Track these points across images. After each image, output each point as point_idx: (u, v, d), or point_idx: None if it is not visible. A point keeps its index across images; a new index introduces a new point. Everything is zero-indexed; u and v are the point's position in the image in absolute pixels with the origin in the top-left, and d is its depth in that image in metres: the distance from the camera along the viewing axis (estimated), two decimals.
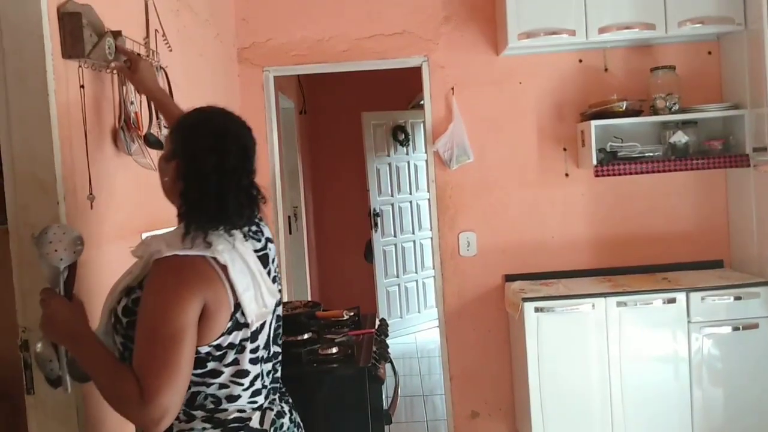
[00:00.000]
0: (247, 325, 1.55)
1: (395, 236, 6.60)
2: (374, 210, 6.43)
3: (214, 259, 1.50)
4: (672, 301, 3.47)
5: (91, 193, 1.90)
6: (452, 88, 3.92)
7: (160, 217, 2.45)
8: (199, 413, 1.56)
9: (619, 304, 3.48)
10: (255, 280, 1.57)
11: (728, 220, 3.93)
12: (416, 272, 6.78)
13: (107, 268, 2.03)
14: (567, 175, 3.93)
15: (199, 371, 1.51)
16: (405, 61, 3.97)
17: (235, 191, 1.56)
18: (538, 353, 3.48)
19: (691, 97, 3.74)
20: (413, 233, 6.74)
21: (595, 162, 3.61)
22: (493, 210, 3.96)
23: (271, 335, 1.69)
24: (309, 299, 5.22)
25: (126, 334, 1.53)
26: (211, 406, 1.56)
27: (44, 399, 1.76)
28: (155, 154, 2.33)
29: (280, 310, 1.75)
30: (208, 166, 1.53)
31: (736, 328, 3.47)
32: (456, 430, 4.03)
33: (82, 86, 1.88)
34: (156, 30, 2.48)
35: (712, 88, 3.86)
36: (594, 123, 3.61)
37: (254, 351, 1.60)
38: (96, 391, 1.88)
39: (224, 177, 1.54)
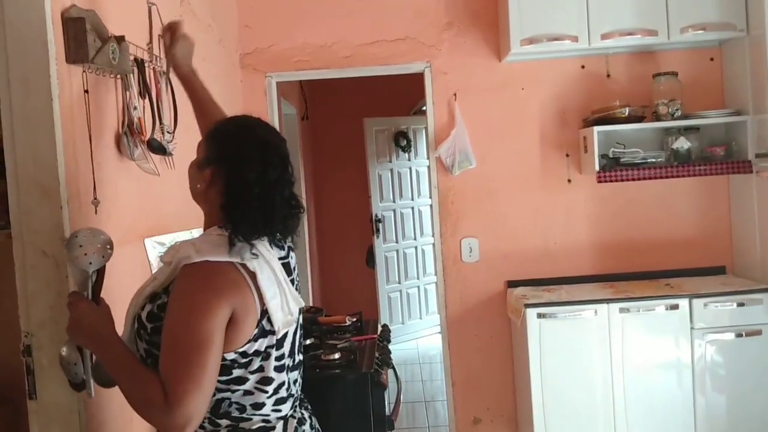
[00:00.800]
0: (272, 333, 1.55)
1: (397, 242, 6.60)
2: (376, 216, 6.43)
3: (243, 265, 1.51)
4: (675, 307, 3.46)
5: (95, 198, 1.90)
6: (454, 94, 3.92)
7: (164, 223, 2.46)
8: (224, 422, 1.55)
9: (621, 310, 3.47)
10: (281, 288, 1.57)
11: (731, 226, 3.92)
12: (418, 278, 6.78)
13: (111, 274, 2.03)
14: (569, 181, 3.93)
15: (224, 378, 1.51)
16: (407, 67, 3.97)
17: (279, 202, 1.57)
18: (541, 359, 3.47)
19: (693, 103, 3.74)
20: (415, 239, 6.73)
21: (597, 168, 3.61)
22: (496, 216, 3.96)
23: (296, 343, 1.68)
24: (311, 305, 5.22)
25: (150, 340, 1.53)
26: (236, 413, 1.56)
27: (46, 404, 1.75)
28: (158, 160, 2.34)
29: (301, 319, 1.74)
30: (251, 177, 1.53)
31: (739, 335, 3.45)
32: None
33: (86, 91, 1.88)
34: (159, 35, 2.48)
35: (715, 95, 3.86)
36: (596, 129, 3.61)
37: (279, 359, 1.59)
38: (98, 396, 1.88)
39: (266, 188, 1.54)
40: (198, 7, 3.12)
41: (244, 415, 1.56)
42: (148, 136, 2.27)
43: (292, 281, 1.69)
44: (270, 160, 1.56)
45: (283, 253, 1.68)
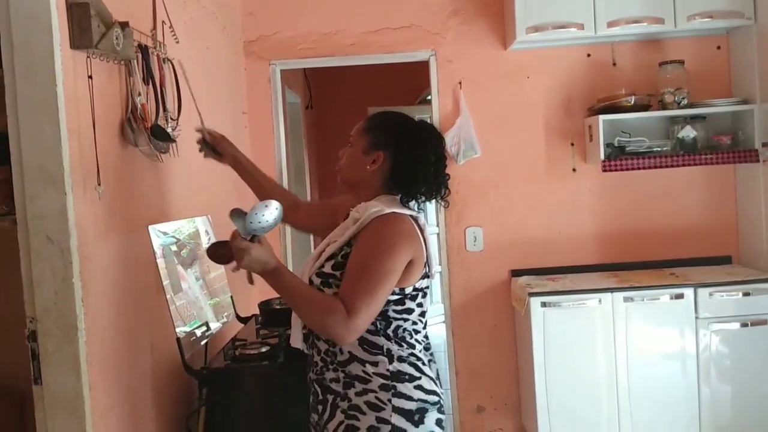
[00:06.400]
0: (428, 276, 1.93)
1: None
2: None
3: (415, 220, 1.90)
4: (680, 296, 3.46)
5: (99, 184, 1.90)
6: (460, 83, 3.90)
7: (168, 210, 2.45)
8: (394, 346, 1.84)
9: (626, 299, 3.46)
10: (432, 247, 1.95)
11: (737, 215, 3.90)
12: None
13: (115, 260, 2.03)
14: (574, 170, 3.91)
15: (400, 308, 1.85)
16: (412, 55, 3.95)
17: (433, 174, 1.95)
18: (544, 348, 3.47)
19: (699, 91, 3.72)
20: None
21: (602, 157, 3.59)
22: (500, 205, 3.95)
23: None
24: None
25: (340, 284, 1.81)
26: (403, 334, 1.86)
27: (51, 389, 1.76)
28: (162, 146, 2.33)
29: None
30: (410, 156, 1.91)
31: (744, 324, 3.45)
32: (461, 425, 4.03)
33: (90, 77, 1.88)
34: (163, 22, 2.47)
35: (721, 83, 3.84)
36: (602, 118, 3.59)
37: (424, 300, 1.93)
38: (103, 382, 1.88)
39: (420, 163, 1.92)
40: None
41: (409, 340, 1.86)
42: (151, 123, 2.26)
43: None
44: (418, 142, 1.93)
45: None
